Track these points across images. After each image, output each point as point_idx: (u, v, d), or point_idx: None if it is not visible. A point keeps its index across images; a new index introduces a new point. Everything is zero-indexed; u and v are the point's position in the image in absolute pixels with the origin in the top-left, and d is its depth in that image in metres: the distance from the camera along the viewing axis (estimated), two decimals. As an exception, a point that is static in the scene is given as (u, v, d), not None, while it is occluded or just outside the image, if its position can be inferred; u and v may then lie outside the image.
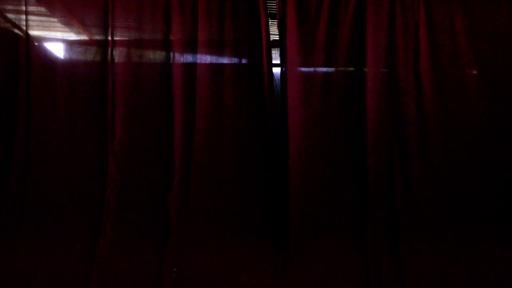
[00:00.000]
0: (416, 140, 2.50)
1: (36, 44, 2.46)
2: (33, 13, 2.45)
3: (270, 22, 2.57)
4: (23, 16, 2.42)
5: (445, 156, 2.49)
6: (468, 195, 2.47)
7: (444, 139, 2.51)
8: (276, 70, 2.63)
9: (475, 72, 2.57)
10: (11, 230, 2.34)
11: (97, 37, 2.47)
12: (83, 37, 2.51)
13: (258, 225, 2.39)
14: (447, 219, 2.45)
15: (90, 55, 2.47)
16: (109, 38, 2.45)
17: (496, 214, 2.45)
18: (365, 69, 2.54)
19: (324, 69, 2.53)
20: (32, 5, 2.44)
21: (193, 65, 2.50)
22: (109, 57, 2.45)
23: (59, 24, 2.49)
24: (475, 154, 2.50)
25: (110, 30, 2.45)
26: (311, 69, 2.58)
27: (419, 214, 2.44)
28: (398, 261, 2.32)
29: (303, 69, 2.58)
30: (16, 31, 2.44)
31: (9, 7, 2.43)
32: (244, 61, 2.55)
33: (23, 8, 2.42)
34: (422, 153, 2.50)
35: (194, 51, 2.50)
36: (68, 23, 2.48)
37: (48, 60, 2.46)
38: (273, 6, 2.55)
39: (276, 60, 2.61)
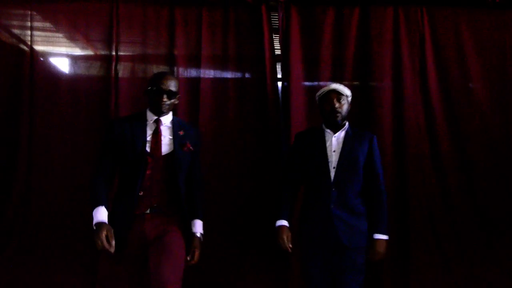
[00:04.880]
0: (427, 151, 2.47)
1: (41, 59, 2.47)
2: (38, 29, 2.47)
3: (274, 37, 2.57)
4: (28, 32, 2.44)
5: (456, 167, 2.46)
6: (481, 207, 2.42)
7: (454, 150, 2.47)
8: (280, 85, 2.62)
9: (482, 83, 2.54)
10: (13, 244, 2.32)
11: (102, 52, 2.49)
12: (88, 52, 2.52)
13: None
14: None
15: (94, 69, 2.48)
16: (113, 53, 2.47)
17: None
18: (371, 83, 2.53)
19: (329, 83, 2.51)
20: (37, 21, 2.46)
21: (196, 80, 2.50)
22: (113, 72, 2.45)
23: (64, 39, 2.51)
24: (485, 164, 2.45)
25: (114, 45, 2.47)
26: (315, 83, 2.57)
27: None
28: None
29: (307, 83, 2.57)
30: (22, 46, 2.46)
31: (15, 22, 2.45)
32: (247, 75, 2.55)
33: (29, 24, 2.44)
34: (434, 164, 2.47)
35: (198, 65, 2.51)
36: (73, 38, 2.50)
37: (52, 75, 2.47)
38: (276, 21, 2.56)
39: (280, 75, 2.59)
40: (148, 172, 1.82)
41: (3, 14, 2.43)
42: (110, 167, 1.87)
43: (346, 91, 2.08)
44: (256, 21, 2.51)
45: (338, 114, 2.03)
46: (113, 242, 1.65)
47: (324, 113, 2.09)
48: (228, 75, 2.53)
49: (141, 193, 1.80)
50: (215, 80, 2.52)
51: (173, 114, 1.98)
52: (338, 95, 2.05)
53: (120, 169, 1.90)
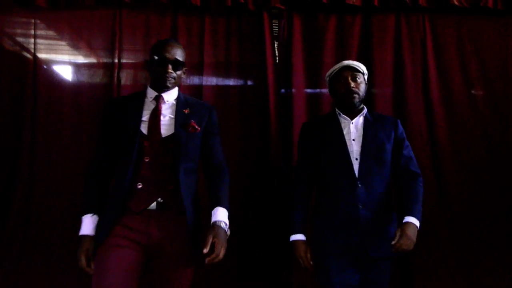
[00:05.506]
0: (428, 160, 2.45)
1: (44, 66, 2.48)
2: (42, 37, 2.48)
3: (276, 44, 2.58)
4: (32, 40, 2.46)
5: (457, 174, 2.44)
6: (479, 214, 2.40)
7: (456, 155, 2.46)
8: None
9: (484, 89, 2.55)
10: (16, 247, 2.30)
11: (104, 60, 2.49)
12: (91, 59, 2.53)
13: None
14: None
15: (97, 77, 2.49)
16: (116, 60, 2.47)
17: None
18: (373, 90, 2.53)
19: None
20: (41, 29, 2.48)
21: (199, 87, 2.50)
22: (115, 80, 2.46)
23: (67, 47, 2.52)
24: (487, 169, 2.44)
25: (117, 52, 2.47)
26: (317, 90, 2.57)
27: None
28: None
29: (309, 90, 2.57)
30: (25, 53, 2.47)
31: (19, 31, 2.46)
32: (249, 82, 2.55)
33: (32, 32, 2.46)
34: (433, 168, 2.45)
35: (200, 73, 2.51)
36: (76, 46, 2.51)
37: (55, 82, 2.47)
38: (278, 28, 2.57)
39: (282, 82, 2.59)
40: (146, 159, 1.52)
41: (7, 23, 2.45)
42: (107, 159, 1.60)
43: (362, 67, 1.79)
44: (258, 29, 2.52)
45: (355, 95, 1.73)
46: (92, 265, 1.46)
47: (338, 96, 1.78)
48: (230, 82, 2.54)
49: (140, 185, 1.50)
50: (217, 87, 2.53)
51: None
52: (353, 72, 1.76)
53: (117, 158, 1.60)
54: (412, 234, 1.60)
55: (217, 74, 2.54)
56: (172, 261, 1.50)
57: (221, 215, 1.53)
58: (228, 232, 1.53)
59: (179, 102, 1.65)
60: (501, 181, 2.44)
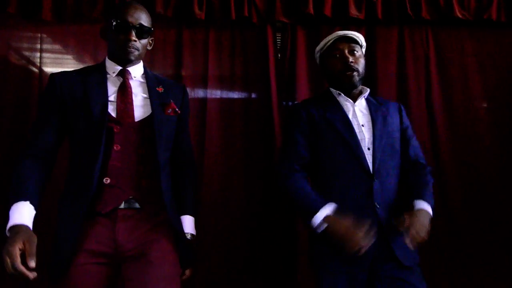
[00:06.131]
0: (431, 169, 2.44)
1: (49, 80, 2.49)
2: (48, 51, 2.50)
3: (279, 57, 2.59)
4: (38, 54, 2.47)
5: (458, 186, 2.43)
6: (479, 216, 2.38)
7: (458, 167, 2.45)
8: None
9: (486, 102, 2.55)
10: None
11: (109, 73, 2.51)
12: (96, 73, 2.54)
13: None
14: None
15: (101, 90, 2.50)
16: (121, 73, 2.48)
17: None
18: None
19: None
20: (47, 44, 2.50)
21: (203, 100, 2.51)
22: (120, 92, 2.46)
23: (73, 61, 2.54)
24: (487, 182, 2.43)
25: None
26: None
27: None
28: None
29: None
30: (31, 67, 2.49)
31: (25, 45, 2.48)
32: (253, 95, 2.56)
33: (39, 46, 2.48)
34: (437, 183, 2.42)
35: (204, 86, 2.52)
36: (81, 60, 2.53)
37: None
38: (282, 41, 2.58)
39: (287, 94, 2.60)
40: (116, 147, 1.24)
41: (14, 37, 2.46)
42: (50, 144, 1.29)
43: (361, 38, 1.54)
44: (262, 42, 2.53)
45: (355, 72, 1.46)
46: (33, 262, 1.04)
47: (332, 74, 1.50)
48: (235, 95, 2.54)
49: (107, 180, 1.22)
50: (221, 100, 2.53)
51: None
52: (351, 44, 1.48)
53: (70, 148, 1.33)
54: (426, 221, 1.31)
55: (221, 87, 2.55)
56: (155, 272, 1.20)
57: (188, 226, 1.35)
58: (195, 242, 1.35)
59: (149, 79, 1.38)
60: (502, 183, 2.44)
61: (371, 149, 1.41)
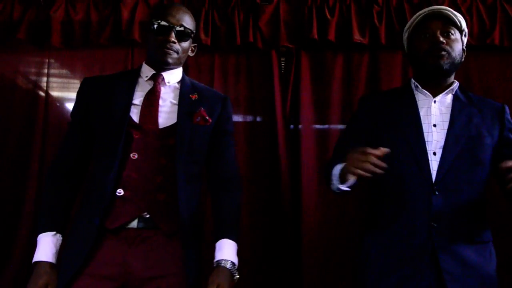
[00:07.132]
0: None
1: (57, 104, 2.52)
2: (55, 75, 2.54)
3: (284, 81, 2.60)
4: (45, 78, 2.50)
5: None
6: None
7: None
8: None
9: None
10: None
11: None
12: (102, 97, 2.56)
13: None
14: None
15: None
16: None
17: None
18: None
19: (340, 126, 2.52)
20: (54, 68, 2.54)
21: (208, 123, 2.51)
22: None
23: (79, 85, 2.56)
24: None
25: (128, 90, 2.49)
26: (326, 126, 2.57)
27: None
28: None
29: (317, 126, 2.57)
30: (38, 91, 2.51)
31: (33, 70, 2.52)
32: (258, 119, 2.56)
33: (46, 71, 2.51)
34: None
35: (209, 109, 2.52)
36: (87, 84, 2.55)
37: (66, 120, 2.49)
38: (287, 65, 2.61)
39: (291, 118, 2.60)
40: (133, 155, 1.12)
41: (22, 62, 2.50)
42: (77, 155, 1.19)
43: (460, 19, 1.21)
44: (267, 66, 2.55)
45: (444, 53, 1.17)
46: None
47: (418, 57, 1.23)
48: (240, 118, 2.55)
49: (121, 192, 1.10)
50: (226, 123, 2.54)
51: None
52: (445, 23, 1.18)
53: (93, 156, 1.21)
54: None
55: (226, 110, 2.55)
56: None
57: (227, 251, 1.15)
58: (236, 276, 1.15)
59: (185, 86, 1.25)
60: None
61: (438, 154, 1.15)
